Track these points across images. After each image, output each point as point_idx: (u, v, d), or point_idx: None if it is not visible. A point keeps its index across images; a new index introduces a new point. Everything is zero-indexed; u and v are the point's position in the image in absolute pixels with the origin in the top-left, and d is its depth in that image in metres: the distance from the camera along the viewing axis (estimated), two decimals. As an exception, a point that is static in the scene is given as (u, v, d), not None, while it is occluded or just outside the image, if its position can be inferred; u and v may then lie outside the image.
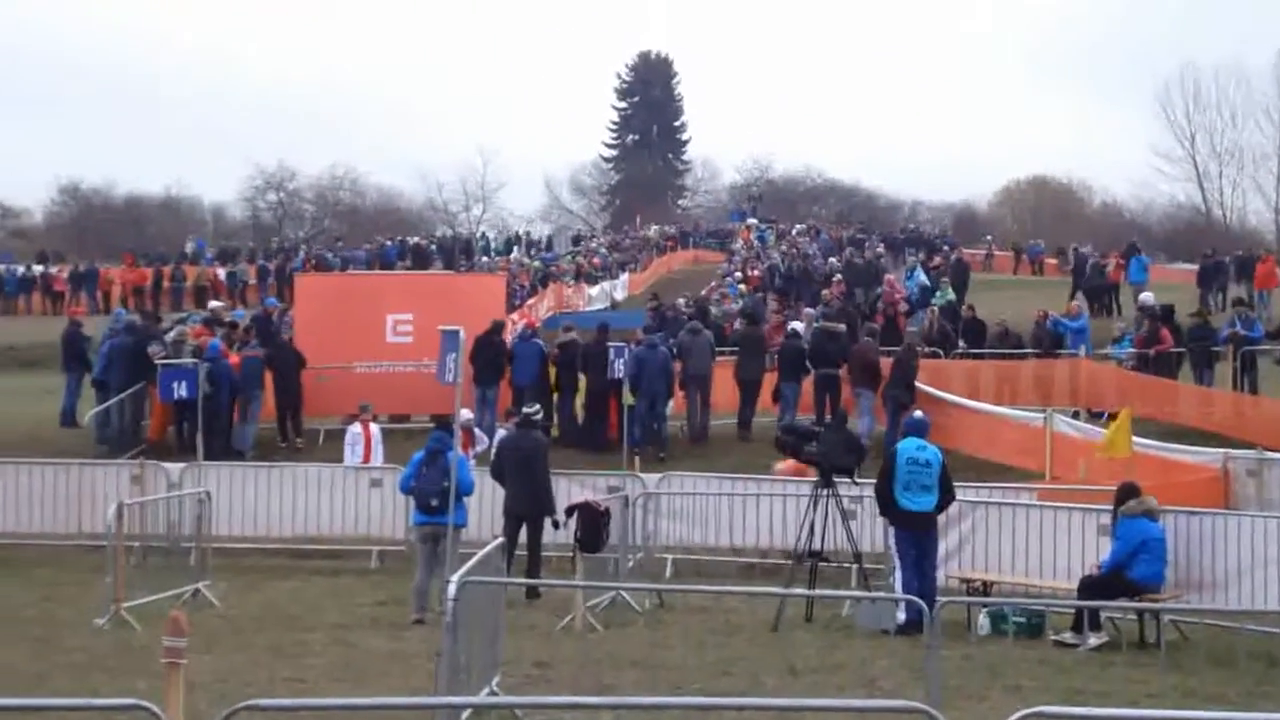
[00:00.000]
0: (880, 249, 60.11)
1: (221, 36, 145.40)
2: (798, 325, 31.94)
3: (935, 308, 37.41)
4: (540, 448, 20.30)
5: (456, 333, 18.20)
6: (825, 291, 43.49)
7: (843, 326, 31.44)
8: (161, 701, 8.80)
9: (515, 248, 77.36)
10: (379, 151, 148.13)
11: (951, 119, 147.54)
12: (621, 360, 27.13)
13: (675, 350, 30.27)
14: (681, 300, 42.33)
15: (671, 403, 29.48)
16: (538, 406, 21.85)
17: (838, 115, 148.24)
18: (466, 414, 22.62)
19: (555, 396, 29.37)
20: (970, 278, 47.57)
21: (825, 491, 18.26)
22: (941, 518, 17.82)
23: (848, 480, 18.67)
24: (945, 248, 62.30)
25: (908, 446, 17.60)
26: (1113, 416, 24.83)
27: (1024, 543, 18.92)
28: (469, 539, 18.72)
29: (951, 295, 41.23)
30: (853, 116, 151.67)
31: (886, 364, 28.53)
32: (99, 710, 8.75)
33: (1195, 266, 50.78)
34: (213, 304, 42.36)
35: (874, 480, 17.77)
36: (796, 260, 56.18)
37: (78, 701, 9.30)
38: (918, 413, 19.62)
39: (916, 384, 27.99)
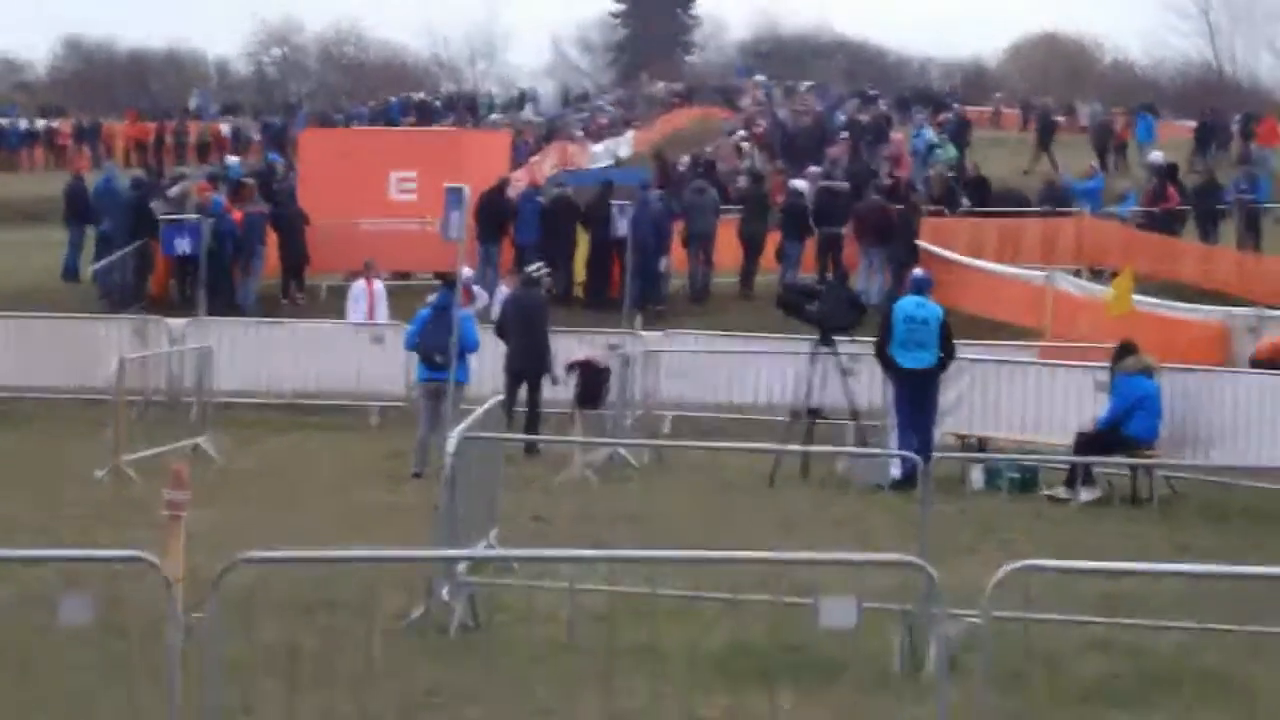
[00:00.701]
0: (884, 106, 59.72)
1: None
2: (800, 184, 31.79)
3: (940, 165, 37.25)
4: (541, 305, 20.34)
5: (461, 189, 18.13)
6: (831, 149, 43.34)
7: (845, 185, 31.42)
8: (161, 553, 8.91)
9: (528, 104, 76.84)
10: (384, 6, 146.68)
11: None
12: (625, 218, 27.13)
13: (680, 208, 30.24)
14: (686, 158, 42.18)
15: (667, 259, 29.34)
16: (540, 264, 21.87)
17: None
18: (466, 271, 22.62)
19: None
20: (972, 134, 47.23)
21: (824, 349, 18.31)
22: (942, 375, 17.89)
23: (847, 338, 18.71)
24: (953, 105, 61.89)
25: (906, 304, 17.64)
26: (1115, 275, 24.84)
27: (1020, 400, 19.00)
28: (472, 396, 18.78)
29: (953, 152, 41.02)
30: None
31: (891, 221, 28.54)
32: (99, 561, 8.84)
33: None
34: (230, 159, 42.35)
35: (874, 338, 17.86)
36: (804, 118, 55.83)
37: (78, 553, 9.43)
38: (919, 270, 19.63)
39: (919, 242, 27.95)
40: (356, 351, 23.59)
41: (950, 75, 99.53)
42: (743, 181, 35.04)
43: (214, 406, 20.65)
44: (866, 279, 28.05)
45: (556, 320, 21.90)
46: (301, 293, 29.85)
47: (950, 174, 35.50)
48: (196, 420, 20.20)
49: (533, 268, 21.26)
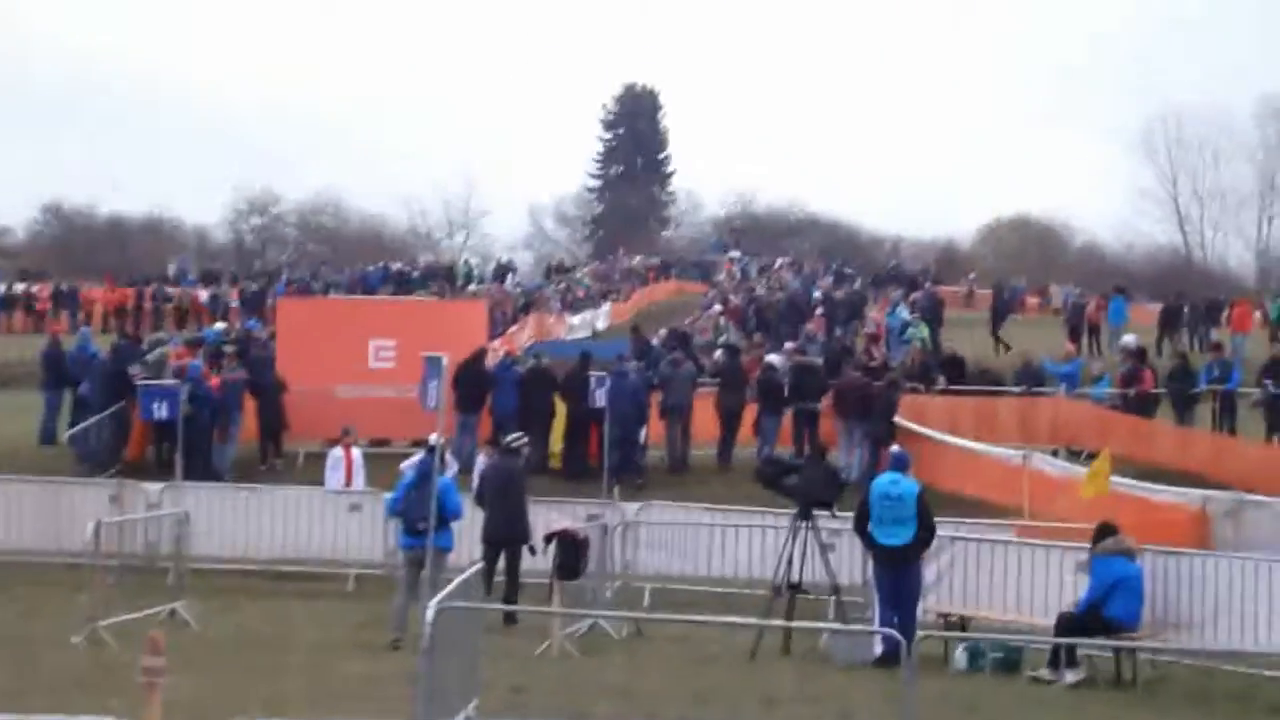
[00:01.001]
0: (857, 284, 60.28)
1: (206, 61, 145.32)
2: (774, 359, 32.05)
3: (918, 342, 37.53)
4: (519, 475, 20.36)
5: (439, 359, 18.23)
6: (808, 325, 43.65)
7: (819, 361, 31.63)
8: (139, 720, 8.78)
9: (507, 275, 77.39)
10: (363, 178, 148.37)
11: (935, 157, 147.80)
12: (602, 389, 27.21)
13: (657, 380, 30.39)
14: (663, 331, 42.41)
15: (645, 430, 29.42)
16: (518, 434, 21.89)
17: (821, 151, 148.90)
18: (432, 438, 22.76)
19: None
20: (944, 313, 47.66)
21: (804, 524, 18.28)
22: (924, 553, 17.84)
23: (827, 513, 18.69)
24: (926, 284, 62.48)
25: (882, 481, 17.68)
26: (1092, 455, 24.92)
27: (1002, 579, 18.94)
28: (456, 564, 18.65)
29: (925, 331, 41.37)
30: (837, 152, 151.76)
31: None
32: (76, 728, 8.71)
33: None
34: (219, 325, 42.46)
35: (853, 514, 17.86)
36: (778, 293, 56.28)
37: (55, 719, 9.26)
38: (896, 448, 19.69)
39: (897, 419, 28.09)
40: (334, 518, 23.52)
41: (923, 255, 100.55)
42: (719, 355, 35.21)
43: (191, 572, 20.52)
44: (846, 454, 28.14)
45: (535, 490, 21.90)
46: (279, 459, 29.78)
47: (926, 352, 35.77)
48: (173, 585, 20.04)
49: (511, 437, 21.29)
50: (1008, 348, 43.38)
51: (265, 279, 66.61)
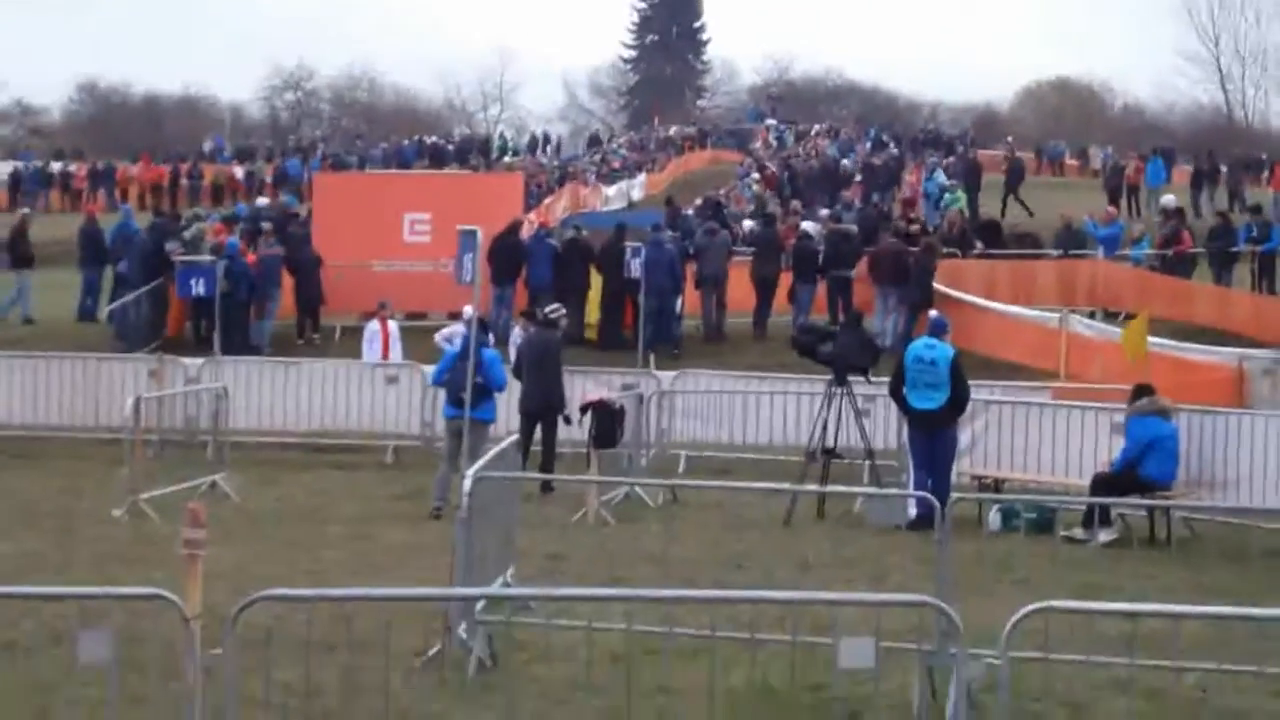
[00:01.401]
0: (895, 149, 59.83)
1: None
2: (810, 226, 31.89)
3: (955, 207, 37.29)
4: (556, 346, 20.35)
5: (474, 232, 18.15)
6: (844, 192, 43.46)
7: (853, 229, 31.46)
8: (180, 591, 8.88)
9: (538, 148, 77.15)
10: (397, 52, 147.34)
11: (974, 18, 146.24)
12: (638, 260, 27.14)
13: (692, 250, 30.30)
14: (698, 201, 42.26)
15: (681, 300, 29.39)
16: (557, 305, 21.88)
17: (858, 15, 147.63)
18: (468, 310, 22.83)
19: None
20: (983, 178, 47.35)
21: (839, 390, 18.31)
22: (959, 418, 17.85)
23: (862, 379, 18.71)
24: (963, 148, 62.03)
25: (917, 346, 17.70)
26: (1130, 317, 24.83)
27: (1037, 441, 18.92)
28: (497, 435, 18.73)
29: (962, 197, 41.09)
30: (873, 16, 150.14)
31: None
32: (118, 599, 8.82)
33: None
34: (262, 200, 42.51)
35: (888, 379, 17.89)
36: (815, 160, 55.98)
37: (97, 590, 9.38)
38: (934, 313, 19.62)
39: (935, 285, 27.96)
40: (371, 391, 23.60)
41: (961, 120, 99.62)
42: (754, 224, 35.10)
43: (230, 446, 20.67)
44: (882, 321, 28.06)
45: (570, 361, 21.94)
46: (316, 333, 29.90)
47: (963, 217, 35.57)
48: (213, 459, 20.21)
49: (549, 309, 21.28)
50: (1029, 211, 43.08)
51: (300, 155, 66.52)
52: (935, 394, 17.27)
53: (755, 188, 48.91)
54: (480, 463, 12.13)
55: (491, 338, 23.97)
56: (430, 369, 20.56)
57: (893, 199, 44.99)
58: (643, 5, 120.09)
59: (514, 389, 19.99)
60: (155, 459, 20.14)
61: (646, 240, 29.05)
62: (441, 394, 19.16)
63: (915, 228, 32.45)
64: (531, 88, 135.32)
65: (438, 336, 23.90)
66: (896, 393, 17.58)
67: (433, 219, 30.13)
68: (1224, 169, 48.91)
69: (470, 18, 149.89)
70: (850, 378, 18.45)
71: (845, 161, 54.85)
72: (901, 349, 19.73)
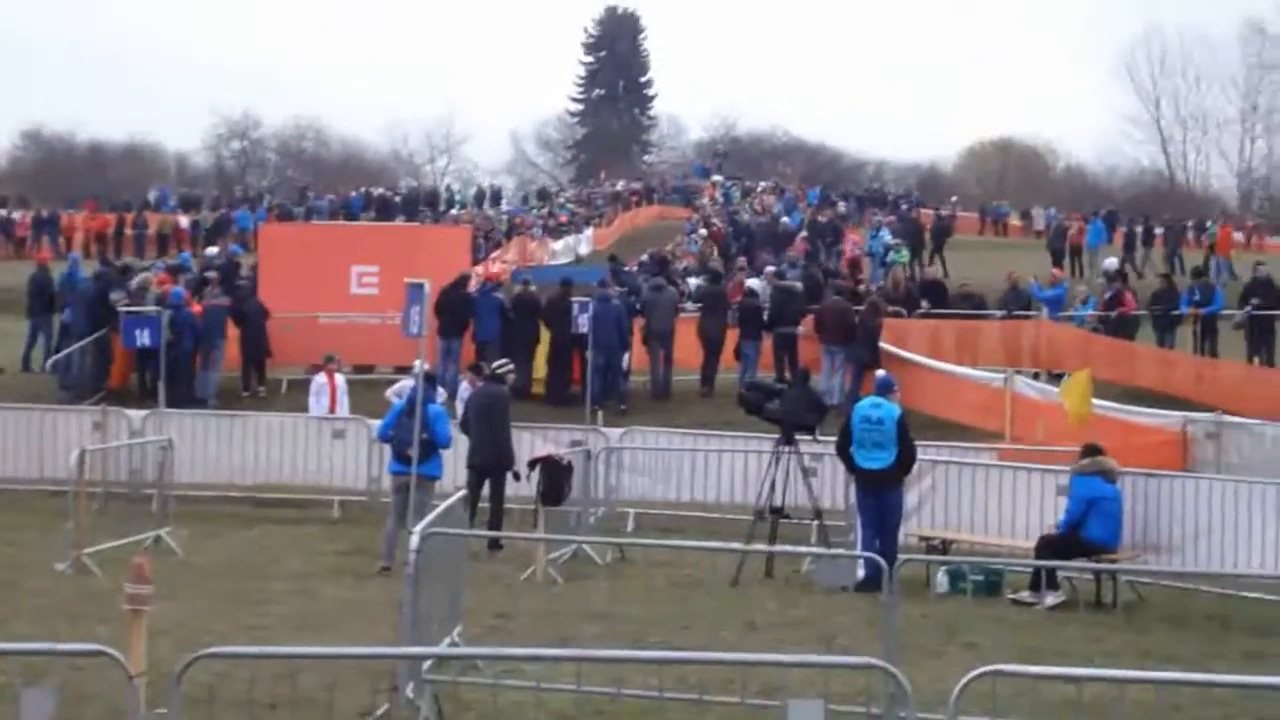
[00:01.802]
0: (843, 207, 60.17)
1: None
2: (754, 283, 32.02)
3: (900, 266, 37.54)
4: (504, 401, 20.30)
5: (422, 285, 18.16)
6: (789, 249, 43.66)
7: (798, 285, 31.58)
8: (124, 648, 8.80)
9: (485, 201, 77.21)
10: (344, 102, 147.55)
11: (917, 78, 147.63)
12: (585, 315, 27.17)
13: (639, 306, 30.37)
14: (644, 256, 42.34)
15: (628, 356, 29.45)
16: (505, 360, 21.86)
17: (803, 73, 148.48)
18: (416, 365, 22.80)
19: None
20: (925, 237, 47.68)
21: (786, 448, 18.34)
22: (905, 477, 17.89)
23: (809, 437, 18.75)
24: (907, 207, 62.47)
25: (863, 405, 17.72)
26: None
27: (983, 502, 19.02)
28: (443, 491, 18.68)
29: (906, 255, 41.36)
30: (819, 74, 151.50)
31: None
32: (61, 655, 8.73)
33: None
34: (211, 250, 42.31)
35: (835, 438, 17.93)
36: (761, 216, 56.24)
37: (40, 646, 9.27)
38: (880, 372, 19.72)
39: (881, 343, 28.10)
40: (318, 445, 23.51)
41: (905, 179, 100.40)
42: (700, 280, 35.21)
43: (175, 499, 20.53)
44: (828, 379, 28.18)
45: (518, 416, 21.88)
46: (262, 386, 29.76)
47: (907, 276, 35.78)
48: (158, 512, 20.05)
49: (497, 364, 21.25)
50: (944, 271, 43.34)
51: (247, 205, 66.32)
52: (882, 453, 17.30)
53: (701, 244, 49.05)
54: (428, 519, 12.09)
55: (441, 392, 24.01)
56: (377, 423, 20.49)
57: (838, 256, 45.20)
58: (590, 59, 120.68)
59: (461, 444, 19.95)
60: (99, 512, 19.96)
61: (594, 295, 29.09)
62: (389, 449, 19.08)
63: (860, 286, 32.62)
64: (479, 140, 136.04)
65: (389, 391, 23.85)
66: (843, 451, 17.61)
67: (380, 271, 30.08)
68: (1159, 231, 49.47)
69: (418, 70, 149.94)
70: (797, 436, 18.49)
71: (788, 219, 55.14)
72: (848, 407, 19.81)
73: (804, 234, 48.28)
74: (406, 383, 22.86)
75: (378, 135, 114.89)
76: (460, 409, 21.74)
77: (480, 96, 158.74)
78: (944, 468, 19.74)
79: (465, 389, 23.50)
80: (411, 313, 18.09)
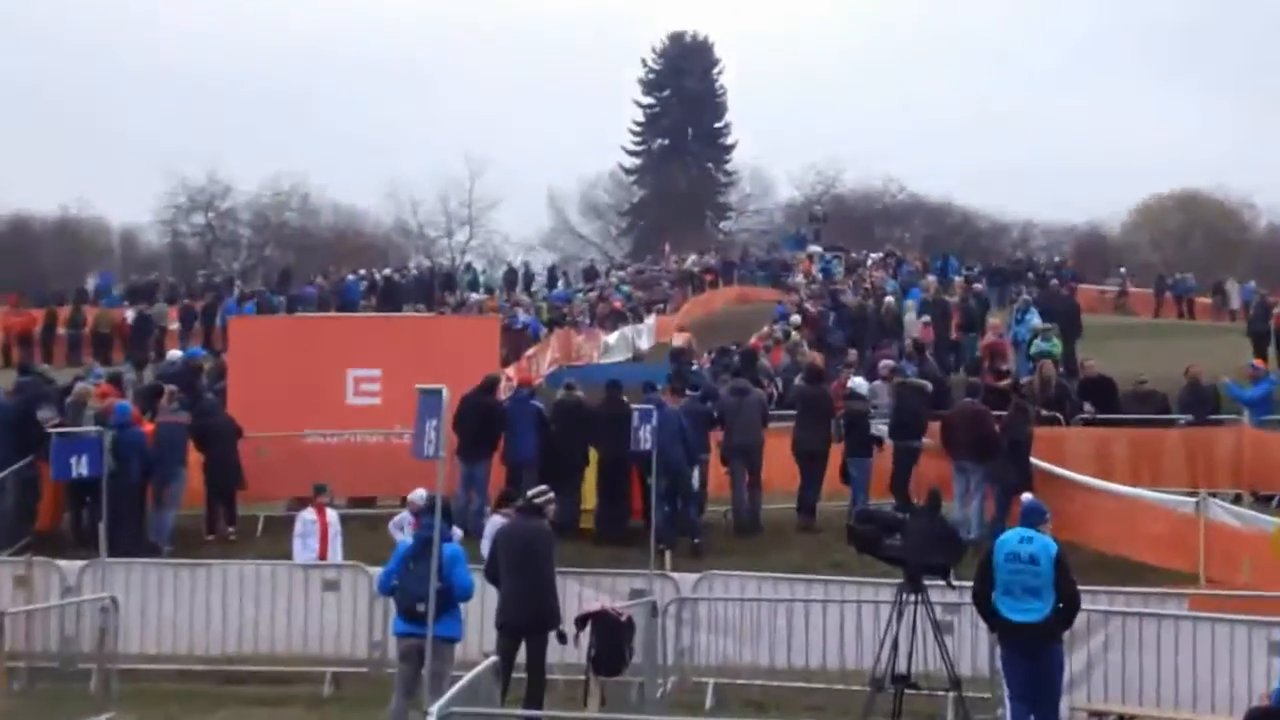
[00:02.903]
0: (981, 285, 60.06)
1: (130, 23, 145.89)
2: (859, 382, 31.82)
3: (1051, 357, 37.30)
4: (542, 539, 20.13)
5: (438, 393, 18.10)
6: (909, 339, 43.45)
7: (925, 384, 31.44)
8: None
9: (517, 284, 77.53)
10: (336, 162, 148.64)
11: (1073, 121, 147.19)
12: (647, 427, 27.03)
13: (717, 415, 30.30)
14: (707, 353, 42.35)
15: (702, 479, 29.34)
16: (543, 487, 21.77)
17: (923, 115, 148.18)
18: (420, 493, 22.64)
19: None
20: (1081, 320, 47.39)
21: (913, 597, 18.18)
22: (1066, 633, 17.70)
23: (942, 583, 18.59)
24: (1059, 282, 62.27)
25: (1009, 539, 17.52)
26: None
27: (1171, 664, 18.81)
28: (465, 658, 18.57)
29: (1058, 344, 41.04)
30: (942, 116, 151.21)
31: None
32: None
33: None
34: (173, 353, 42.46)
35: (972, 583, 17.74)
36: (870, 298, 56.20)
37: None
38: (1028, 496, 19.52)
39: (1032, 459, 27.87)
40: (304, 601, 23.49)
41: (1058, 244, 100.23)
42: (798, 380, 35.03)
43: (120, 674, 20.48)
44: (963, 506, 27.98)
45: (564, 560, 21.78)
46: (233, 527, 29.79)
47: (1061, 371, 35.52)
48: (98, 693, 20.03)
49: (534, 492, 21.11)
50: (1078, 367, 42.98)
51: (213, 294, 66.80)
52: (1036, 602, 17.12)
53: (794, 334, 48.91)
54: (447, 696, 12.02)
55: (457, 531, 23.96)
56: (379, 571, 20.42)
57: (971, 346, 45.06)
58: (650, 100, 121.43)
59: (488, 596, 19.83)
60: (22, 694, 19.95)
61: (650, 400, 28.96)
62: (392, 604, 18.98)
63: (1005, 383, 32.41)
64: (508, 207, 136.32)
65: (391, 524, 23.82)
66: (984, 600, 17.40)
67: (384, 376, 30.21)
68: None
69: (430, 117, 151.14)
70: (926, 580, 18.34)
71: (916, 297, 55.07)
72: (989, 542, 19.61)
73: (925, 319, 48.12)
74: (408, 514, 22.88)
75: (379, 202, 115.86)
76: (486, 550, 21.63)
77: (510, 151, 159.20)
78: (1118, 620, 19.53)
79: (494, 525, 23.40)
80: (425, 428, 18.03)
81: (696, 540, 28.50)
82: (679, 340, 53.01)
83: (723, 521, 29.84)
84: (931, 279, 62.27)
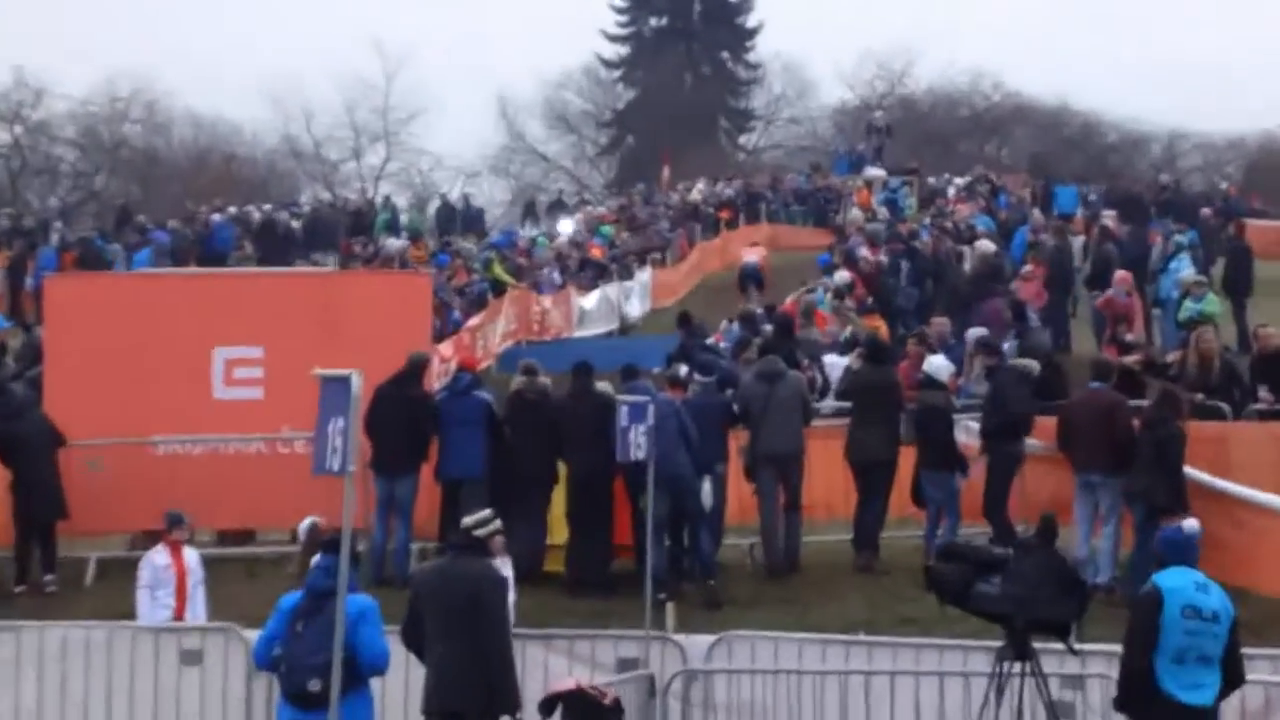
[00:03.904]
0: (1109, 219, 60.01)
1: None
2: (940, 363, 31.65)
3: (1209, 323, 37.22)
4: (491, 588, 20.12)
5: (346, 382, 18.01)
6: (1007, 296, 43.29)
7: (1034, 365, 31.06)
8: None
9: (455, 223, 77.47)
10: (194, 58, 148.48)
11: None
12: (641, 427, 26.95)
13: (740, 409, 30.16)
14: (726, 322, 42.44)
15: (714, 495, 29.22)
16: (489, 513, 21.66)
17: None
18: (310, 524, 22.71)
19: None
20: (1254, 270, 47.31)
21: (1018, 667, 18.18)
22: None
23: (1060, 646, 18.58)
24: (1222, 219, 62.16)
25: (1183, 585, 17.35)
26: None
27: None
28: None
29: (1215, 305, 40.94)
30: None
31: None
32: None
33: None
34: None
35: (1120, 646, 17.67)
36: (949, 242, 56.04)
37: None
38: (1188, 524, 19.34)
39: (1187, 469, 27.78)
40: (154, 677, 23.47)
41: (1220, 164, 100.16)
42: (852, 360, 34.89)
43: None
44: (1088, 535, 27.89)
45: (523, 616, 21.80)
46: (52, 573, 29.79)
47: (1224, 346, 35.38)
48: None
49: (473, 520, 21.05)
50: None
51: (22, 242, 66.66)
52: (1209, 675, 17.08)
53: (846, 294, 48.57)
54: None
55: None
56: (257, 636, 20.39)
57: (1093, 306, 45.01)
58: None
59: (412, 668, 19.82)
60: None
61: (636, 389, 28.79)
62: (276, 681, 18.98)
63: (1134, 359, 32.28)
64: (439, 117, 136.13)
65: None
66: (1146, 675, 17.23)
67: (267, 357, 30.17)
68: None
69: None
70: (1037, 643, 18.33)
71: (1021, 237, 55.02)
72: (1132, 587, 19.54)
73: (1027, 269, 47.95)
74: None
75: (258, 113, 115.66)
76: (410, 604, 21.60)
77: (441, 39, 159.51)
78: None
79: (425, 567, 23.41)
80: (328, 432, 17.95)
81: (711, 583, 28.47)
82: (752, 256, 53.06)
83: (747, 560, 29.85)
84: (1040, 215, 62.27)
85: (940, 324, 37.55)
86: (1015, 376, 30.23)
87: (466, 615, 19.72)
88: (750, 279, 43.32)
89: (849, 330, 41.11)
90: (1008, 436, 29.20)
